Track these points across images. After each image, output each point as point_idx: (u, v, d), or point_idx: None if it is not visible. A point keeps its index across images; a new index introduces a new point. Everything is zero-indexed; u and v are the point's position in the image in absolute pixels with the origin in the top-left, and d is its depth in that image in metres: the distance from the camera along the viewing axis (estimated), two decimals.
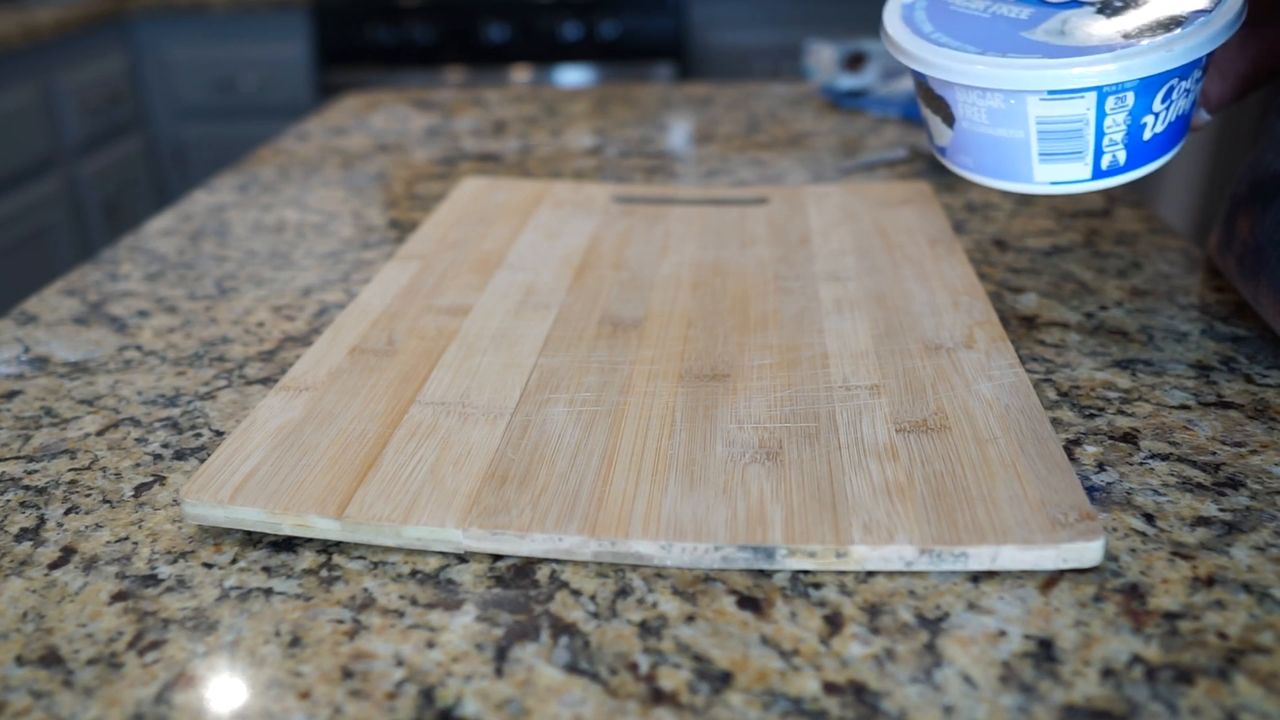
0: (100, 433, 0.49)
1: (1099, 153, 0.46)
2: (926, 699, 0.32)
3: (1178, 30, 0.44)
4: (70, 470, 0.46)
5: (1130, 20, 0.46)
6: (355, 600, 0.37)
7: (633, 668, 0.34)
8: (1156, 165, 0.48)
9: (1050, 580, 0.37)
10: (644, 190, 0.78)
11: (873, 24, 2.26)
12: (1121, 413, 0.48)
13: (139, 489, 0.45)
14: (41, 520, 0.43)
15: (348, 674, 0.34)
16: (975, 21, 0.48)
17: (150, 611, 0.37)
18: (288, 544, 0.41)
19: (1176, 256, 0.66)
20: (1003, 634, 0.35)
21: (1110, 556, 0.38)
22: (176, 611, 0.37)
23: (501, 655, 0.34)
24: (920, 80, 0.49)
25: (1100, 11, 0.47)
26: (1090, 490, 0.42)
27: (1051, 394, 0.49)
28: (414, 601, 0.37)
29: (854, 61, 1.19)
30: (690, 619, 0.36)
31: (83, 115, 2.12)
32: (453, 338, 0.53)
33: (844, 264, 0.62)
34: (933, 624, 0.35)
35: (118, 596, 0.38)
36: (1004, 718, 0.31)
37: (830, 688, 0.33)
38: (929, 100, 0.49)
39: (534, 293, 0.59)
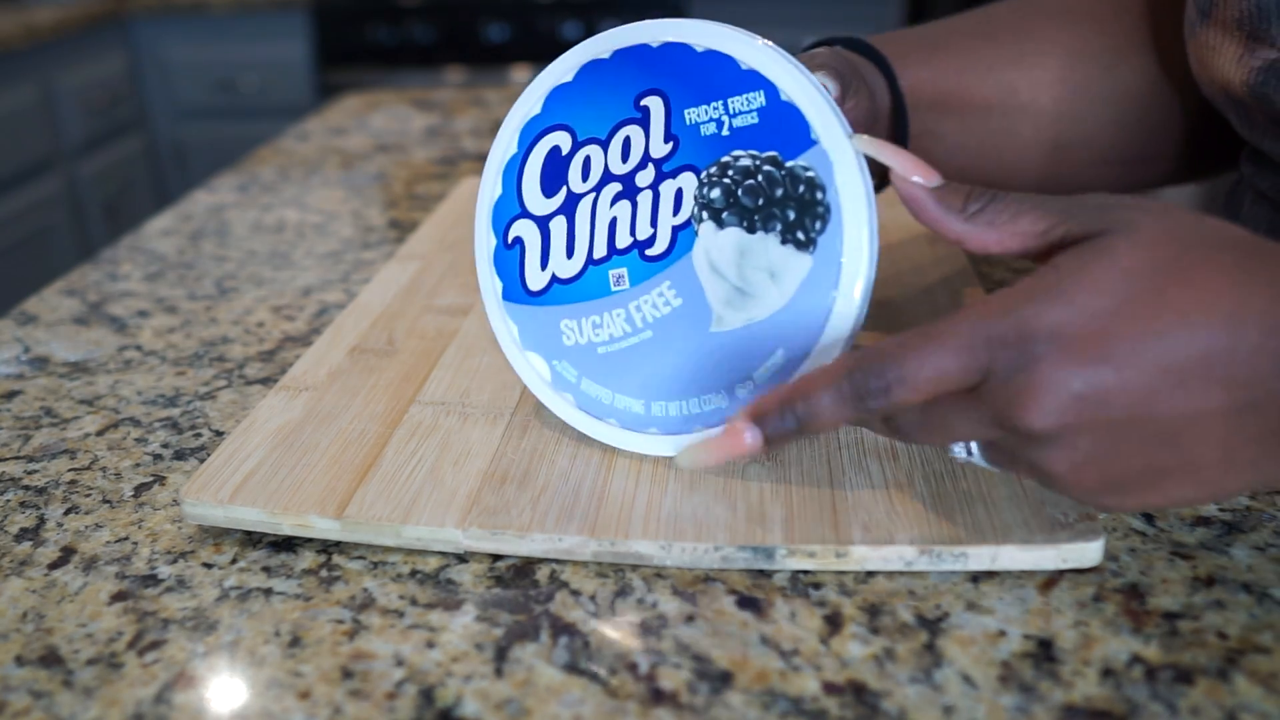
0: (100, 433, 0.49)
1: None
2: (926, 699, 0.32)
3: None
4: (70, 470, 0.46)
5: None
6: (355, 600, 0.37)
7: (632, 668, 0.34)
8: None
9: (1050, 580, 0.37)
10: None
11: (873, 24, 2.26)
12: None
13: (139, 489, 0.45)
14: (41, 520, 0.43)
15: (348, 674, 0.34)
16: (647, 351, 0.40)
17: (150, 611, 0.37)
18: (288, 544, 0.41)
19: None
20: (1002, 634, 0.35)
21: (1110, 556, 0.38)
22: (176, 611, 0.37)
23: (501, 655, 0.34)
24: None
25: (783, 238, 0.38)
26: None
27: None
28: (414, 601, 0.37)
29: None
30: (690, 619, 0.36)
31: (83, 115, 2.12)
32: (453, 338, 0.53)
33: None
34: (932, 624, 0.35)
35: (118, 596, 0.38)
36: (1004, 718, 0.31)
37: (830, 688, 0.33)
38: None
39: None
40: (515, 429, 0.45)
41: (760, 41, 0.38)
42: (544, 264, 0.42)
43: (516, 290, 0.43)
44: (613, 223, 0.40)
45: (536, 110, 0.42)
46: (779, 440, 0.35)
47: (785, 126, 0.38)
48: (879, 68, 0.51)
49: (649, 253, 0.40)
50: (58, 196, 2.06)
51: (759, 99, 0.38)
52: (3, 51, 1.87)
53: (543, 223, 0.42)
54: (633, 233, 0.40)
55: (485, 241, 0.43)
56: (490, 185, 0.43)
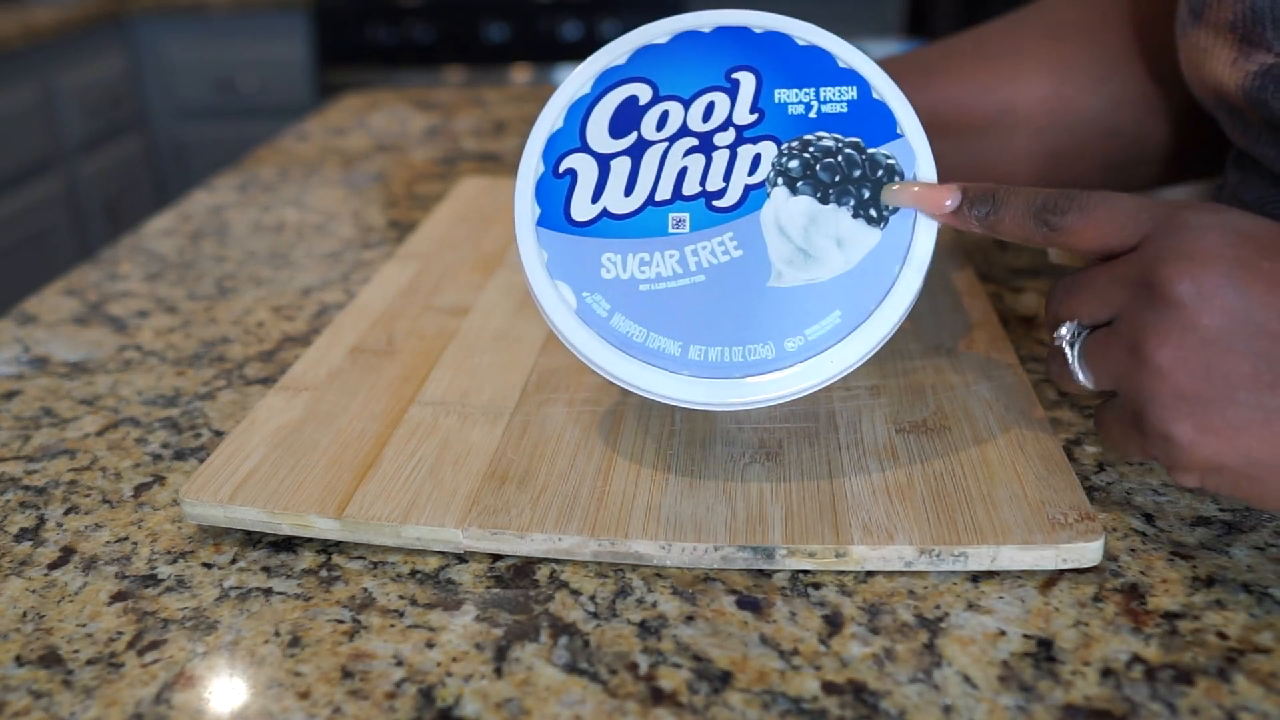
0: (100, 433, 0.49)
1: None
2: (926, 699, 0.32)
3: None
4: (70, 470, 0.46)
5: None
6: (355, 600, 0.37)
7: (632, 668, 0.34)
8: None
9: (1050, 580, 0.37)
10: None
11: (875, 24, 2.26)
12: None
13: (139, 489, 0.45)
14: (41, 520, 0.43)
15: (347, 674, 0.34)
16: (695, 295, 0.40)
17: (150, 611, 0.37)
18: (287, 544, 0.41)
19: None
20: (1002, 634, 0.35)
21: (1110, 556, 0.38)
22: (176, 611, 0.37)
23: (501, 655, 0.34)
24: None
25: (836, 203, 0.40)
26: (1090, 490, 0.42)
27: (1051, 394, 0.49)
28: (414, 601, 0.37)
29: None
30: (690, 619, 0.36)
31: (83, 115, 2.12)
32: (453, 338, 0.53)
33: None
34: (932, 624, 0.35)
35: (117, 596, 0.38)
36: (1004, 717, 0.31)
37: (830, 688, 0.33)
38: None
39: None
40: (515, 429, 0.45)
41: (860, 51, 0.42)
42: (596, 197, 0.42)
43: (556, 218, 0.42)
44: (682, 171, 0.41)
45: (620, 61, 0.43)
46: (966, 218, 0.39)
47: (872, 119, 0.41)
48: None
49: (716, 204, 0.41)
50: (57, 197, 2.06)
51: (851, 93, 0.41)
52: (3, 51, 1.87)
53: (604, 160, 0.42)
54: (703, 183, 0.41)
55: (531, 169, 0.42)
56: (550, 120, 0.43)
